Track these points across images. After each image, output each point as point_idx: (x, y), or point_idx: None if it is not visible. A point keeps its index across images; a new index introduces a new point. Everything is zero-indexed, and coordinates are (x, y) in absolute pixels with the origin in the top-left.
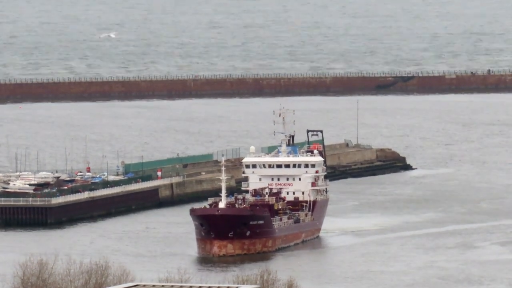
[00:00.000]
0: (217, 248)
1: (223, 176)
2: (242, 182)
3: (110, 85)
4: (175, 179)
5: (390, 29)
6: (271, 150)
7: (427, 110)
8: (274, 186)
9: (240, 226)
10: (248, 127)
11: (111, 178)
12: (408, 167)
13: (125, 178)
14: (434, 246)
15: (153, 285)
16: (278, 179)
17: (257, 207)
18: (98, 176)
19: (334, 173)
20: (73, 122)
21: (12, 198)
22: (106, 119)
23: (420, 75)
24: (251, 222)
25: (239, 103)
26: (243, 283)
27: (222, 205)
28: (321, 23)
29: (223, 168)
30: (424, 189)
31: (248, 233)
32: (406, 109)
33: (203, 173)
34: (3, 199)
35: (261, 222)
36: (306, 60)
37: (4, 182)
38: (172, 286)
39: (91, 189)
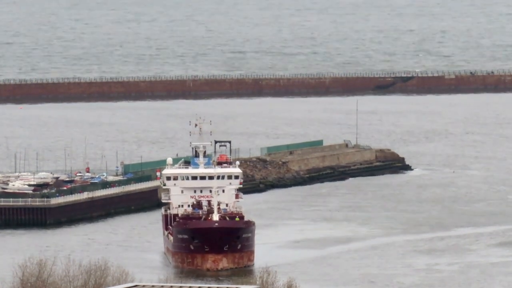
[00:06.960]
0: (212, 262)
1: (214, 185)
2: (163, 195)
3: (110, 86)
4: None
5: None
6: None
7: (427, 110)
8: (197, 198)
9: (234, 239)
10: (245, 128)
11: (110, 178)
12: (407, 168)
13: (124, 178)
14: (433, 249)
15: (153, 285)
16: (201, 191)
17: (247, 220)
18: (97, 176)
19: (334, 173)
20: (72, 122)
21: (11, 199)
22: (105, 119)
23: (420, 75)
24: (243, 235)
25: (238, 104)
26: (243, 284)
27: (216, 217)
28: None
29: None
30: (422, 190)
31: (239, 246)
32: (405, 110)
33: None
34: (2, 199)
35: (249, 235)
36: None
37: (3, 182)
38: (171, 286)
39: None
